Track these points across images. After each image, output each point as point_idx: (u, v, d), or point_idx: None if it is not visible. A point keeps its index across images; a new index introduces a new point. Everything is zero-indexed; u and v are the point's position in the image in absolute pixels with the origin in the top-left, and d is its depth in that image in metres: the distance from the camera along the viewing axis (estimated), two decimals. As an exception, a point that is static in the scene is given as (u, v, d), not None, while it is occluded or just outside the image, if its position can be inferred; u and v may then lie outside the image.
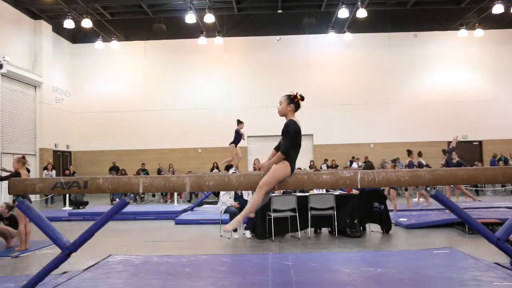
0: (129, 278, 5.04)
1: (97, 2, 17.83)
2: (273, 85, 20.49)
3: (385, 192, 11.28)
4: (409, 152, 12.02)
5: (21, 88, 17.50)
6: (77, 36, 21.00)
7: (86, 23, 17.50)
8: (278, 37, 20.86)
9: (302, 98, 4.02)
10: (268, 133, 17.61)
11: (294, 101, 3.99)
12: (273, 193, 8.18)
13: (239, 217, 4.01)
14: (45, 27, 18.70)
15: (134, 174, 16.69)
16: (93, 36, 20.21)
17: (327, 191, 8.36)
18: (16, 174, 6.91)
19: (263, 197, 3.92)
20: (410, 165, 11.74)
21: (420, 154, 13.02)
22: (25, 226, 7.02)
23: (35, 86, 18.30)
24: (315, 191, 8.18)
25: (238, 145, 9.37)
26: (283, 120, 4.08)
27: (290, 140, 3.91)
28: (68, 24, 17.54)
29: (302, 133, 4.01)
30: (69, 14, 17.37)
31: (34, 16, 18.27)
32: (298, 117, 4.04)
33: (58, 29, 19.54)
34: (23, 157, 7.35)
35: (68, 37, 20.95)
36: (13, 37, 17.03)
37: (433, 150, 18.24)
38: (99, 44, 20.42)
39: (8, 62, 15.68)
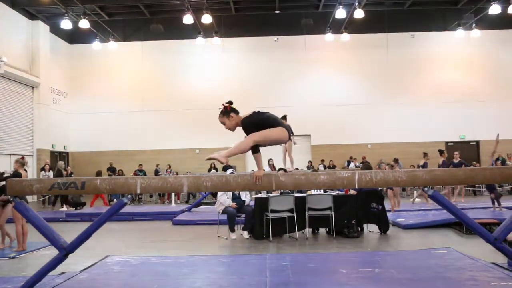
0: (127, 279, 5.03)
1: (95, 2, 17.81)
2: (270, 86, 20.54)
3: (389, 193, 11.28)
4: (441, 152, 12.07)
5: (18, 89, 17.44)
6: (75, 37, 20.95)
7: (84, 23, 17.46)
8: (275, 37, 20.85)
9: (231, 102, 4.03)
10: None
11: (228, 110, 4.00)
12: (271, 193, 8.19)
13: (226, 152, 3.83)
14: (42, 27, 18.63)
15: (132, 175, 16.65)
16: (91, 36, 20.18)
17: (324, 191, 8.36)
18: (17, 174, 6.94)
19: (250, 145, 3.85)
20: (443, 164, 11.72)
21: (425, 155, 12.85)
22: (22, 226, 7.01)
23: (33, 87, 18.24)
24: (312, 192, 8.18)
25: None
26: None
27: (255, 129, 3.90)
28: (66, 24, 17.51)
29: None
30: (66, 14, 17.34)
31: (31, 16, 18.21)
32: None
33: (56, 30, 19.49)
34: (22, 158, 7.37)
35: (65, 37, 20.90)
36: (10, 37, 16.97)
37: (431, 150, 18.22)
38: (96, 44, 20.39)
39: (5, 63, 15.61)
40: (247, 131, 3.96)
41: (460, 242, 7.33)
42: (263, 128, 3.93)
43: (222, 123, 4.06)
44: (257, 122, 3.95)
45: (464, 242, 7.27)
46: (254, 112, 4.04)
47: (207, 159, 3.86)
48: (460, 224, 8.06)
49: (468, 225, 4.31)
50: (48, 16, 18.88)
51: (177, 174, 16.75)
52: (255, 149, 4.00)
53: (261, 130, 3.91)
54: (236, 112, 4.03)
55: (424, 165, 12.51)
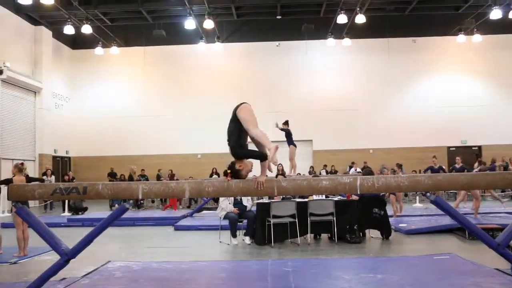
0: (128, 284, 5.02)
1: (97, 8, 17.89)
2: (272, 91, 20.55)
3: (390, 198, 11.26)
4: (478, 156, 12.13)
5: (21, 94, 17.51)
6: (77, 42, 21.04)
7: (86, 29, 17.53)
8: (277, 42, 20.91)
9: (226, 172, 4.10)
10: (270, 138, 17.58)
11: (235, 170, 4.05)
12: (273, 199, 8.17)
13: (269, 152, 3.93)
14: (45, 33, 18.73)
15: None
16: (93, 42, 20.23)
17: (326, 197, 8.34)
18: (7, 181, 6.97)
19: (262, 131, 4.01)
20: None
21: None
22: (23, 232, 7.01)
23: (35, 92, 18.31)
24: (314, 197, 8.16)
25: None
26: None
27: (240, 134, 4.06)
28: (68, 30, 17.57)
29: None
30: (69, 20, 17.41)
31: (35, 22, 18.31)
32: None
33: (58, 35, 19.59)
34: (22, 164, 7.39)
35: (68, 43, 21.00)
36: (14, 43, 17.06)
37: (432, 155, 18.23)
38: (99, 50, 20.44)
39: (8, 68, 15.67)
40: (240, 145, 4.07)
41: (463, 247, 7.31)
42: (240, 126, 4.04)
43: (246, 175, 4.11)
44: (235, 134, 4.06)
45: (466, 248, 7.24)
46: (228, 141, 4.12)
47: (276, 164, 3.97)
48: (463, 230, 8.03)
49: (471, 230, 4.30)
50: (51, 22, 18.97)
51: (173, 179, 16.70)
52: (263, 157, 4.03)
53: (240, 128, 4.04)
54: (233, 164, 4.08)
55: (430, 168, 12.43)
